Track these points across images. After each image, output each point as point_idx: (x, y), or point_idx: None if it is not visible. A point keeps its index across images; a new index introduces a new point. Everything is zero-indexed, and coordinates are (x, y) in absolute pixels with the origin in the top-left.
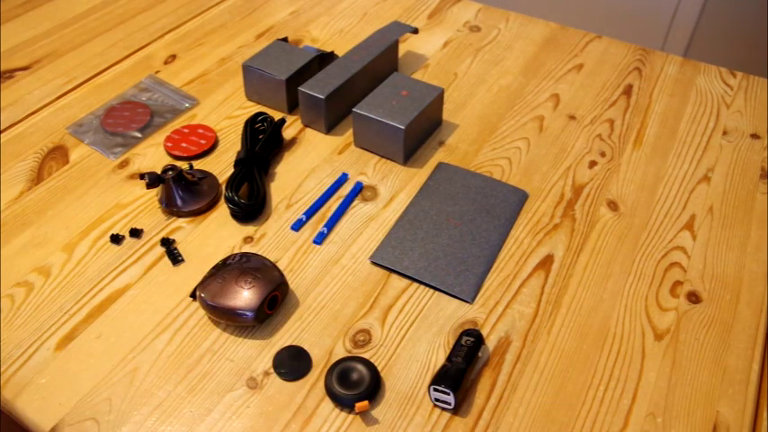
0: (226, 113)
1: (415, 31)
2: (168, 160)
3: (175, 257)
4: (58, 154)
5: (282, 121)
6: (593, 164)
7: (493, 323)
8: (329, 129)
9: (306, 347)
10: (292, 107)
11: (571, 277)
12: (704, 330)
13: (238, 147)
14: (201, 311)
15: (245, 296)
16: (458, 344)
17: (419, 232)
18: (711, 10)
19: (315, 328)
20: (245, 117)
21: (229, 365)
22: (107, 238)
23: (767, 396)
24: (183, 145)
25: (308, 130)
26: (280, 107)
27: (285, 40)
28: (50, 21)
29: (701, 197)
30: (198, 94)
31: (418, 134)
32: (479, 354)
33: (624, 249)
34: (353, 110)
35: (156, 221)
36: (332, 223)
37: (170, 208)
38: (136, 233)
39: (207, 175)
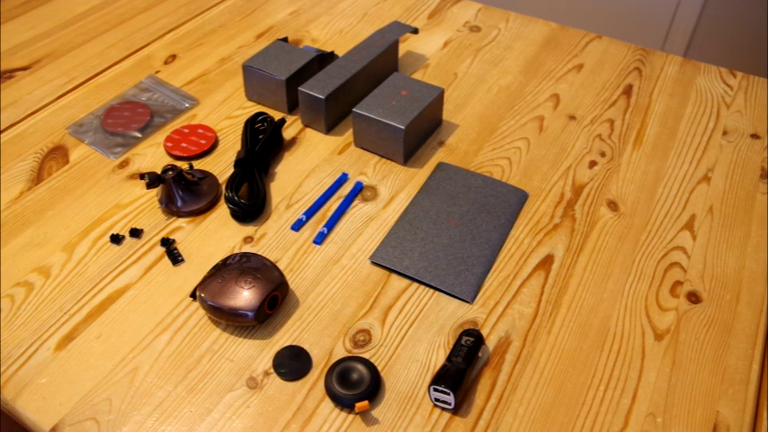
0: (226, 113)
1: (415, 31)
2: (168, 160)
3: (175, 257)
4: (58, 154)
5: (282, 121)
6: (593, 164)
7: (493, 323)
8: (329, 129)
9: (306, 347)
10: (292, 107)
11: (571, 277)
12: (704, 330)
13: (238, 147)
14: (201, 311)
15: (245, 296)
16: (458, 344)
17: (419, 232)
18: (711, 10)
19: (315, 328)
20: (245, 117)
21: (229, 365)
22: (107, 238)
23: (767, 396)
24: (183, 145)
25: (308, 130)
26: (280, 107)
27: (285, 40)
28: (50, 21)
29: (701, 197)
30: (198, 94)
31: (418, 134)
32: (479, 354)
33: (624, 249)
34: (353, 110)
35: (156, 221)
36: (332, 223)
37: (170, 208)
38: (136, 233)
39: (207, 175)
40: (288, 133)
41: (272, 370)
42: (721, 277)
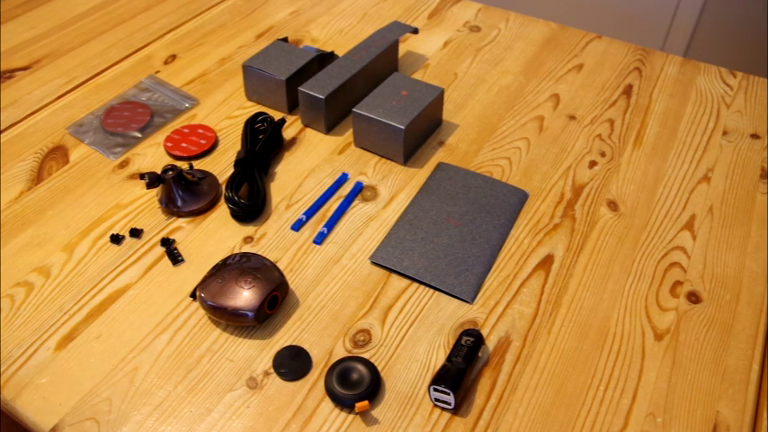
0: (226, 113)
1: (415, 31)
2: (168, 160)
3: (175, 257)
4: (58, 154)
5: (282, 121)
6: (593, 164)
7: (493, 323)
8: (329, 129)
9: (306, 347)
10: (292, 107)
11: (571, 277)
12: (704, 330)
13: (238, 147)
14: (201, 311)
15: (245, 296)
16: (458, 344)
17: (419, 232)
18: (711, 10)
19: (315, 328)
20: (245, 117)
21: (229, 365)
22: (107, 238)
23: (767, 396)
24: (183, 145)
25: (308, 130)
26: (280, 107)
27: (285, 40)
28: (50, 21)
29: (701, 197)
30: (198, 94)
31: (418, 134)
32: (479, 354)
33: (624, 249)
34: (353, 110)
35: (156, 221)
36: (332, 223)
37: (170, 208)
38: (136, 233)
39: (207, 175)
40: (288, 133)
41: (272, 370)
42: (721, 277)
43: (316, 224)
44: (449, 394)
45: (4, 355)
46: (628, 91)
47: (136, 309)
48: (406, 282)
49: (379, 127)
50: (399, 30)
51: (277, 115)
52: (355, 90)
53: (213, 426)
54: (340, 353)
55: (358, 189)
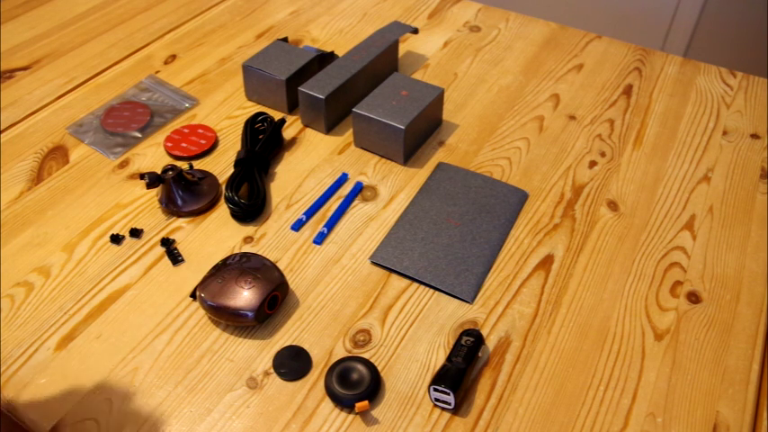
0: (226, 113)
1: (415, 31)
2: (168, 160)
3: (175, 257)
4: (58, 154)
5: (282, 121)
6: (593, 164)
7: (493, 323)
8: (329, 129)
9: (306, 347)
10: (292, 107)
11: (571, 277)
12: (704, 330)
13: (238, 147)
14: (201, 311)
15: (245, 296)
16: (458, 344)
17: (419, 232)
18: (711, 10)
19: (315, 328)
20: (245, 117)
21: (229, 365)
22: (107, 238)
23: (767, 396)
24: (183, 145)
25: (308, 130)
26: (280, 107)
27: (285, 40)
28: (50, 21)
29: (701, 197)
30: (198, 94)
31: (418, 134)
32: (479, 354)
33: (624, 249)
34: (353, 110)
35: (156, 221)
36: (332, 223)
37: (170, 208)
38: (136, 233)
39: (207, 175)
40: (288, 133)
41: (272, 370)
42: (721, 277)
43: (316, 224)
44: (449, 394)
45: (4, 355)
46: (628, 91)
47: (136, 309)
48: (406, 282)
49: (379, 127)
50: (399, 30)
51: (277, 115)
52: (355, 90)
53: (213, 426)
54: (340, 353)
55: (358, 189)
